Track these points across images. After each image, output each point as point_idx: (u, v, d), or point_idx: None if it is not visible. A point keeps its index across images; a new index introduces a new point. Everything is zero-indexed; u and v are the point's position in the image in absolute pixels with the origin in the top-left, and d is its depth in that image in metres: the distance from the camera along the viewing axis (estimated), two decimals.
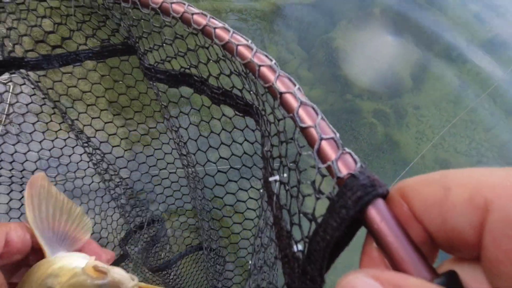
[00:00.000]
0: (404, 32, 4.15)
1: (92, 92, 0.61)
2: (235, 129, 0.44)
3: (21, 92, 0.61)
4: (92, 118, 0.65)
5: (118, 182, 0.70)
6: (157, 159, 0.70)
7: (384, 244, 0.17)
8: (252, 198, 0.60)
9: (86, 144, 0.61)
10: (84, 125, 0.67)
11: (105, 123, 0.65)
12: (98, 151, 0.64)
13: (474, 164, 3.73)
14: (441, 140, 3.65)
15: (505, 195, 0.13)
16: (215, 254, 0.65)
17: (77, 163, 0.76)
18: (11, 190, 0.73)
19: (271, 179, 0.29)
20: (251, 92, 0.32)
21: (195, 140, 0.54)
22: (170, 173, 0.74)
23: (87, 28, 0.42)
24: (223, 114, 0.44)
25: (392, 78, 4.01)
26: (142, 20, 0.35)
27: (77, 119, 0.64)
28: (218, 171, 0.56)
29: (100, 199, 0.81)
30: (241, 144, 0.47)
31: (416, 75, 3.97)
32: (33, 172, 0.72)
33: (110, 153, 0.69)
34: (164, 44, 0.38)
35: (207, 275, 0.61)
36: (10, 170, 0.70)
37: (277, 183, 0.27)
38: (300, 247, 0.24)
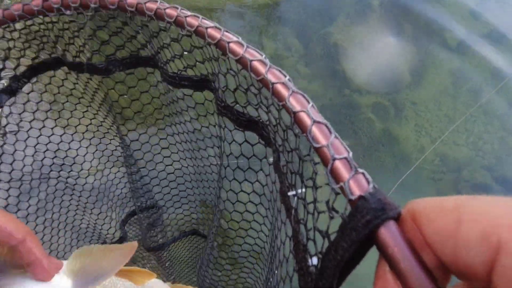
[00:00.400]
0: (403, 25, 4.14)
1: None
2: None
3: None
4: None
5: (132, 164, 0.71)
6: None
7: (397, 270, 0.17)
8: (251, 202, 0.61)
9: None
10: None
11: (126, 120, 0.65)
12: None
13: (473, 157, 3.74)
14: (440, 133, 3.66)
15: None
16: (212, 242, 0.67)
17: (74, 157, 0.78)
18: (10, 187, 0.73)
19: (290, 193, 0.30)
20: (261, 109, 0.33)
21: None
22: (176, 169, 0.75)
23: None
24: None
25: (391, 72, 4.01)
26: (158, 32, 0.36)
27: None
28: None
29: (102, 194, 0.85)
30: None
31: (415, 69, 3.98)
32: (31, 173, 0.74)
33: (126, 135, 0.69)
34: (184, 54, 0.39)
35: (202, 261, 0.64)
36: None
37: (295, 198, 0.28)
38: (315, 261, 0.25)
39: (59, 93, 0.63)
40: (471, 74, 4.07)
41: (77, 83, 0.57)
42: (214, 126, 0.49)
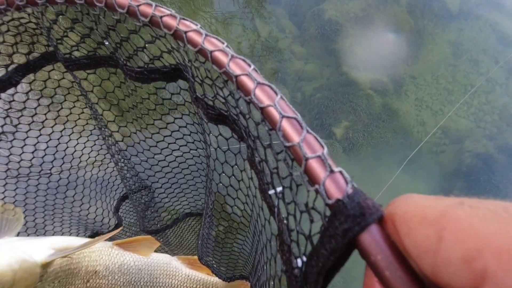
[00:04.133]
0: None
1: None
2: None
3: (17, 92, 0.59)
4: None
5: (117, 151, 0.70)
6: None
7: (382, 279, 0.15)
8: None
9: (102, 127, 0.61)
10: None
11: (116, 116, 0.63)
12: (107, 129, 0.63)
13: (474, 129, 3.70)
14: (441, 106, 3.61)
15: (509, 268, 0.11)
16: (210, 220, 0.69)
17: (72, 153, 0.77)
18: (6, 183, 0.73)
19: (270, 192, 0.27)
20: (229, 104, 0.30)
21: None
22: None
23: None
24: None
25: (388, 46, 3.92)
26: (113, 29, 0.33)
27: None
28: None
29: (95, 184, 0.85)
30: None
31: (412, 41, 3.88)
32: (29, 168, 0.74)
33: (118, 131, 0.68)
34: (146, 46, 0.36)
35: (201, 235, 0.65)
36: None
37: (276, 196, 0.26)
38: (299, 262, 0.23)
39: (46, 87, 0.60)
40: (471, 43, 3.97)
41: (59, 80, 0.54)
42: (194, 114, 0.47)
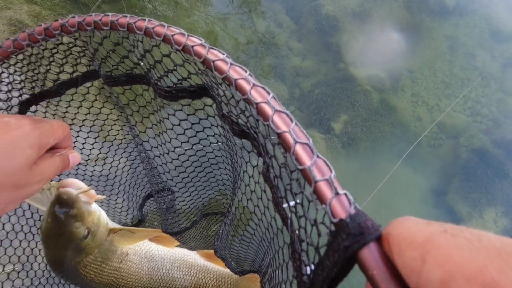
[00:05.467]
0: None
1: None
2: None
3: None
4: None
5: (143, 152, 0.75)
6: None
7: None
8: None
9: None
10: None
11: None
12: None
13: (470, 123, 3.74)
14: (438, 101, 3.65)
15: None
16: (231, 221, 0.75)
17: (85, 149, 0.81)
18: None
19: (284, 205, 0.31)
20: (249, 123, 0.34)
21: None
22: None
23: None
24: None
25: (385, 41, 3.93)
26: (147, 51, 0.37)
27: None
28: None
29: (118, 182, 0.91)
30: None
31: (409, 36, 3.90)
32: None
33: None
34: (175, 69, 0.39)
35: (220, 232, 0.71)
36: None
37: (289, 209, 0.29)
38: (308, 270, 0.26)
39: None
40: (467, 37, 3.99)
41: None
42: (216, 126, 0.50)
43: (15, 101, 0.45)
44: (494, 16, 4.10)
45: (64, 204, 0.57)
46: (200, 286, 0.84)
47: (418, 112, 3.65)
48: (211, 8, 3.40)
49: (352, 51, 3.83)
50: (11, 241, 0.72)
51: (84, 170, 0.83)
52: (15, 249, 0.73)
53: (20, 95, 0.46)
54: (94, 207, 0.64)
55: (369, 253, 0.19)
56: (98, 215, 0.64)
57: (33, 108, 0.48)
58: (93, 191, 0.62)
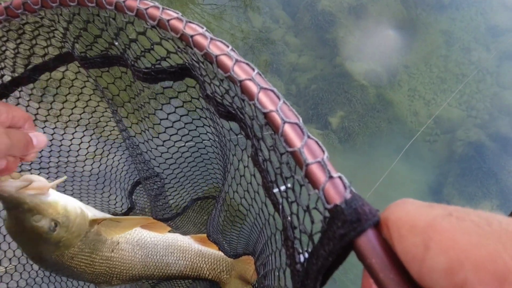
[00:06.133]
0: None
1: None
2: None
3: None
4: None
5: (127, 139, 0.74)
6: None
7: (377, 280, 0.17)
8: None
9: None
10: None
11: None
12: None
13: (465, 118, 3.74)
14: (434, 95, 3.64)
15: (488, 281, 0.12)
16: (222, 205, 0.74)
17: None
18: None
19: (274, 190, 0.28)
20: (235, 104, 0.31)
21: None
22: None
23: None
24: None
25: (381, 36, 3.91)
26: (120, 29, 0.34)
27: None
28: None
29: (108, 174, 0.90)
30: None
31: (405, 31, 3.88)
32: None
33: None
34: (153, 48, 0.36)
35: (212, 217, 0.70)
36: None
37: (280, 194, 0.27)
38: (302, 258, 0.24)
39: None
40: (463, 32, 3.98)
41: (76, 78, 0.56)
42: (201, 109, 0.47)
43: None
44: (490, 10, 4.10)
45: (9, 201, 0.55)
46: (195, 270, 0.85)
47: (414, 107, 3.65)
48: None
49: (349, 46, 3.81)
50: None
51: (67, 157, 0.80)
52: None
53: None
54: (57, 197, 0.61)
55: (367, 241, 0.17)
56: (64, 205, 0.62)
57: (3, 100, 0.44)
58: (43, 180, 0.58)
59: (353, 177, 3.11)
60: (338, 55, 3.77)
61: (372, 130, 3.55)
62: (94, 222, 0.67)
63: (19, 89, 0.44)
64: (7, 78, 0.42)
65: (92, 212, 0.69)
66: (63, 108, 0.63)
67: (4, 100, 0.43)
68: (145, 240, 0.80)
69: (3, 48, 0.40)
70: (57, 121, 0.67)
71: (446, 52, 3.89)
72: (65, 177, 0.64)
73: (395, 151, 3.25)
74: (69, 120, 0.67)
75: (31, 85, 0.44)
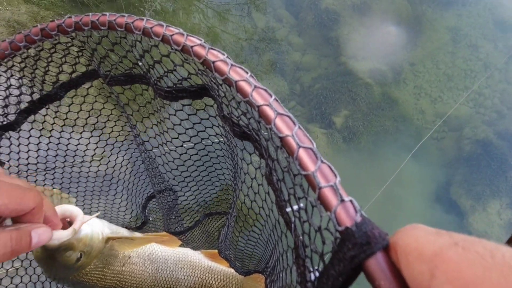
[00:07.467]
0: None
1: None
2: None
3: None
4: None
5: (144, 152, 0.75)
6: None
7: None
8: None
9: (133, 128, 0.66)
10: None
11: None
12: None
13: (473, 115, 3.71)
14: (440, 93, 3.62)
15: None
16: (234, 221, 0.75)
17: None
18: None
19: (287, 209, 0.30)
20: (251, 125, 0.33)
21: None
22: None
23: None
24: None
25: (386, 34, 3.89)
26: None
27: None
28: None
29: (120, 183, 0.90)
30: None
31: (411, 28, 3.85)
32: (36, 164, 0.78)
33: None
34: (175, 69, 0.39)
35: (224, 233, 0.71)
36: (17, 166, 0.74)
37: (293, 214, 0.29)
38: (312, 277, 0.26)
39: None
40: (470, 28, 3.94)
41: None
42: (218, 126, 0.49)
43: (12, 109, 0.44)
44: (498, 5, 4.04)
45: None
46: (204, 286, 0.85)
47: (420, 105, 3.62)
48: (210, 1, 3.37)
49: (353, 45, 3.79)
50: None
51: (88, 172, 0.83)
52: None
53: (18, 102, 0.45)
54: (86, 231, 0.63)
55: (376, 263, 0.18)
56: (90, 236, 0.64)
57: (31, 118, 0.47)
58: (80, 217, 0.55)
59: (357, 176, 3.11)
60: (342, 53, 3.76)
61: (377, 129, 3.53)
62: (109, 239, 0.69)
63: (46, 106, 0.46)
64: (36, 96, 0.44)
65: (109, 228, 0.70)
66: (86, 124, 0.65)
67: (32, 116, 0.45)
68: (156, 255, 0.80)
69: (35, 67, 0.42)
70: (72, 131, 0.69)
71: (452, 49, 3.85)
72: (99, 212, 0.66)
73: (401, 149, 3.23)
74: (92, 136, 0.70)
75: (57, 102, 0.46)
